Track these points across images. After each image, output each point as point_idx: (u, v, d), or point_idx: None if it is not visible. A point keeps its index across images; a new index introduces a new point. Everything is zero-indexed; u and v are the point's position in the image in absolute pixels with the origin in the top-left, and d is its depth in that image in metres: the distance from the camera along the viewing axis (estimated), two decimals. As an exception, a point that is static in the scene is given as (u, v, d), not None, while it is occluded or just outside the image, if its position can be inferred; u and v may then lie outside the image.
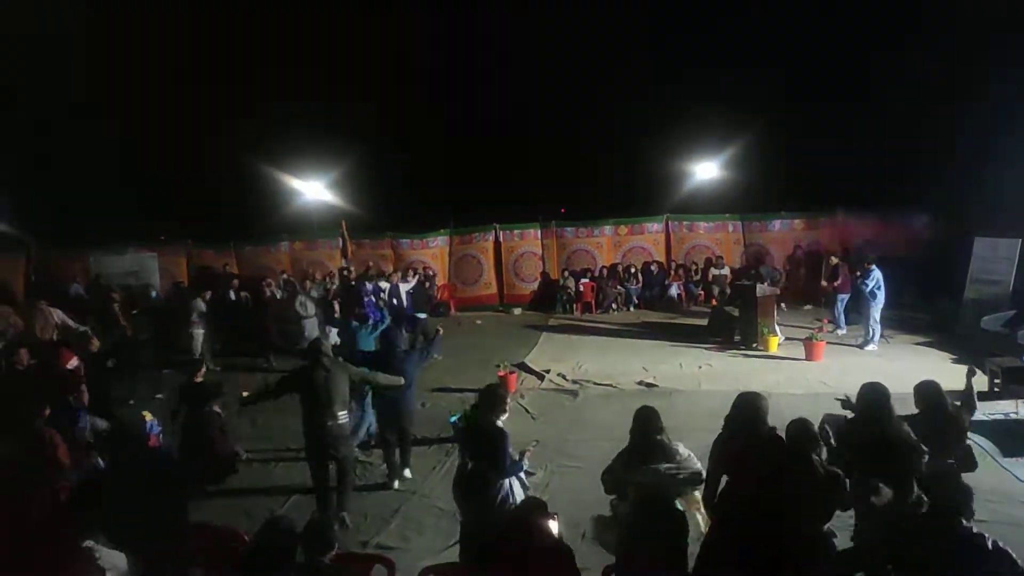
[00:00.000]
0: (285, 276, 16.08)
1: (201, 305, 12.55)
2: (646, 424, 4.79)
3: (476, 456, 5.00)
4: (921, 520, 3.61)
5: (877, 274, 11.74)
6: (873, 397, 4.67)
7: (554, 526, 4.40)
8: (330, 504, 6.38)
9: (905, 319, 13.66)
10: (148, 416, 6.05)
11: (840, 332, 13.02)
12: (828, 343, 11.83)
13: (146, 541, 4.22)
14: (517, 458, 5.12)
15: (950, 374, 10.30)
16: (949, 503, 3.50)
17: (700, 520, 4.73)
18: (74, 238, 18.56)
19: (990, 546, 3.41)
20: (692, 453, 4.86)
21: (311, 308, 12.87)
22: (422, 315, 13.04)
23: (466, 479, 4.94)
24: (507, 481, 4.94)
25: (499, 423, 5.14)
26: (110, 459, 5.16)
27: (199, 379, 7.49)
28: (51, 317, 11.05)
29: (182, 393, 7.30)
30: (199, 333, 12.37)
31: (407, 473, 7.47)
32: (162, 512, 4.60)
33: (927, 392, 5.05)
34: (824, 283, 13.50)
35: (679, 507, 3.94)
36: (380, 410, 7.59)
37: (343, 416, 6.32)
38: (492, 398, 5.27)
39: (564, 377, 11.24)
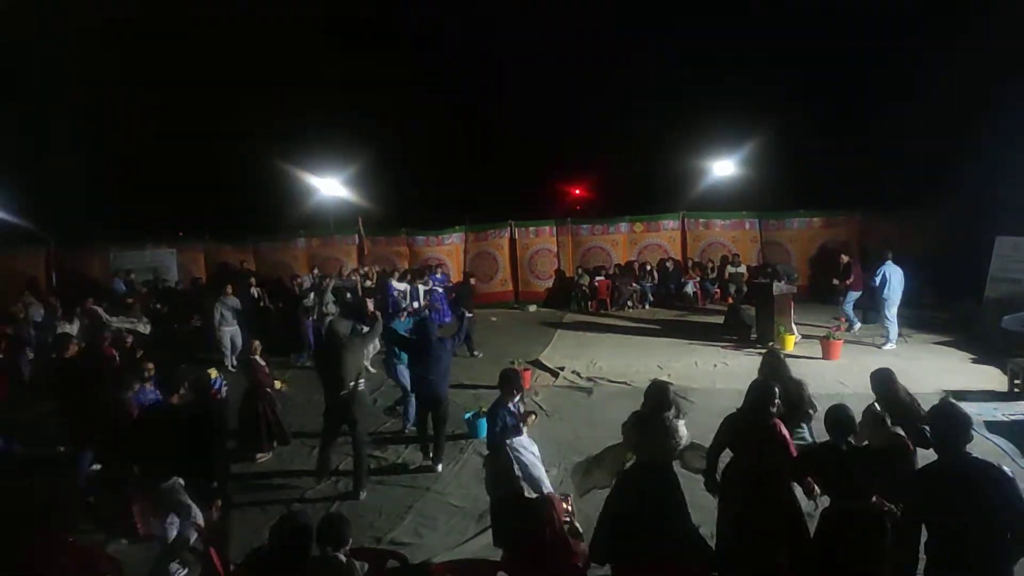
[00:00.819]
0: (317, 272, 15.87)
1: (233, 302, 12.48)
2: (657, 398, 4.83)
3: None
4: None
5: (885, 270, 11.65)
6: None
7: (567, 504, 4.49)
8: (329, 459, 7.34)
9: (925, 318, 13.53)
10: (214, 373, 6.79)
11: (855, 329, 12.91)
12: (846, 342, 11.75)
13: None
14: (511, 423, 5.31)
15: (970, 374, 10.23)
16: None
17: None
18: (94, 234, 18.76)
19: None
20: (692, 438, 4.89)
21: (331, 307, 12.93)
22: (469, 313, 13.15)
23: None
24: (511, 453, 5.10)
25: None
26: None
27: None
28: (100, 316, 11.32)
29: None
30: (227, 331, 12.29)
31: (439, 468, 7.64)
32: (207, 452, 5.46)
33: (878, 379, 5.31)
34: (836, 281, 13.42)
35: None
36: (418, 396, 7.95)
37: (360, 384, 7.22)
38: (503, 382, 5.62)
39: (578, 374, 11.23)
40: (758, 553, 4.32)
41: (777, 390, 4.66)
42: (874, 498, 4.01)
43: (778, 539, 4.34)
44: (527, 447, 5.24)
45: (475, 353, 12.75)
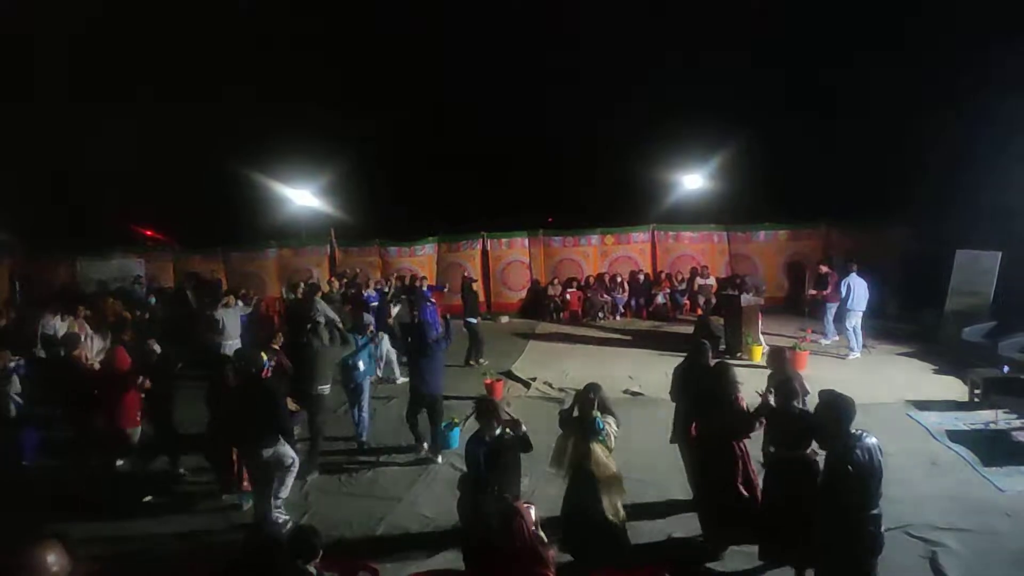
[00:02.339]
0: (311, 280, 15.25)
1: (232, 314, 11.68)
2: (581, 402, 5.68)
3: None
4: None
5: (849, 281, 11.96)
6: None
7: (532, 513, 4.58)
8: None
9: (888, 329, 13.82)
10: (264, 355, 7.29)
11: (825, 342, 13.16)
12: (812, 353, 11.96)
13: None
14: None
15: (931, 384, 10.48)
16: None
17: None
18: (59, 242, 18.44)
19: None
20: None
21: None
22: (473, 319, 13.24)
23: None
24: None
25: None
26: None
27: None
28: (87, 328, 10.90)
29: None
30: (231, 345, 11.13)
31: (439, 460, 8.15)
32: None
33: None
34: (812, 291, 13.63)
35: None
36: (416, 394, 8.29)
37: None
38: (481, 415, 5.66)
39: (550, 385, 11.27)
40: (721, 492, 5.66)
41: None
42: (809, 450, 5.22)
43: (733, 481, 5.63)
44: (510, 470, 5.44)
45: (481, 361, 12.85)
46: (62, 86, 21.85)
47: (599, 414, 5.56)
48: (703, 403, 6.00)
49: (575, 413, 5.66)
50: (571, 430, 5.63)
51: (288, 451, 6.75)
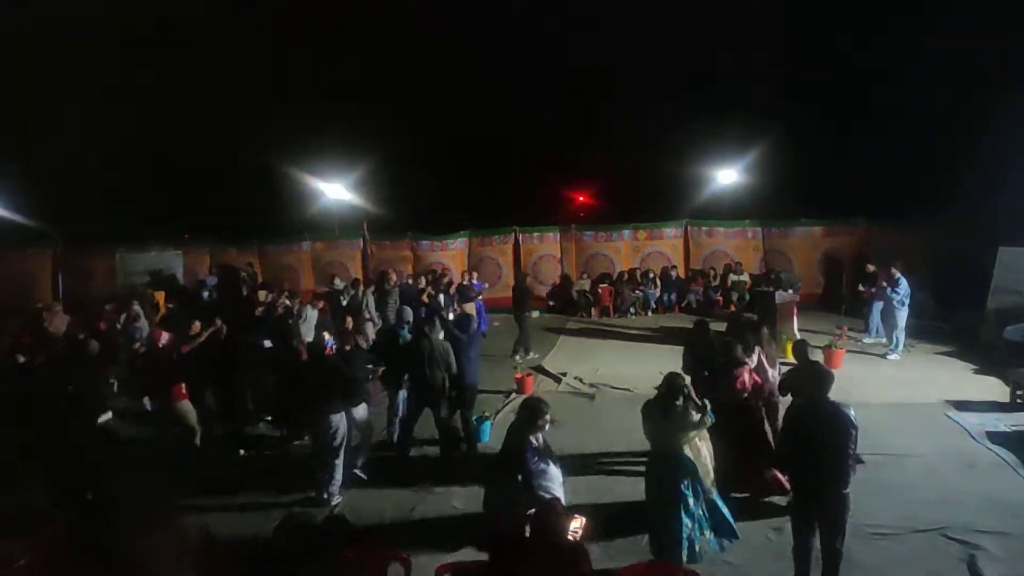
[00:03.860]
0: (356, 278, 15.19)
1: (313, 313, 11.81)
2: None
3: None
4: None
5: (906, 283, 11.70)
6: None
7: (575, 525, 4.50)
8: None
9: (927, 329, 13.51)
10: (327, 335, 8.21)
11: (868, 340, 12.91)
12: (849, 351, 11.76)
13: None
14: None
15: (971, 384, 10.25)
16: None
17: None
18: (100, 235, 18.81)
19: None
20: None
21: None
22: (525, 313, 13.35)
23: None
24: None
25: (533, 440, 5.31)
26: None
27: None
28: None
29: None
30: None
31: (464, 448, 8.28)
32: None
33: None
34: (862, 288, 13.40)
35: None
36: (462, 385, 8.27)
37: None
38: (528, 413, 5.44)
39: (581, 380, 11.27)
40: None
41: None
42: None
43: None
44: (550, 474, 5.24)
45: (528, 354, 12.89)
46: (104, 76, 22.32)
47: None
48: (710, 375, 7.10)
49: (678, 402, 5.53)
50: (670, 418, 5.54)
51: (336, 420, 7.15)
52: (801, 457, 4.97)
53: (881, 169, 18.94)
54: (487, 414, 8.95)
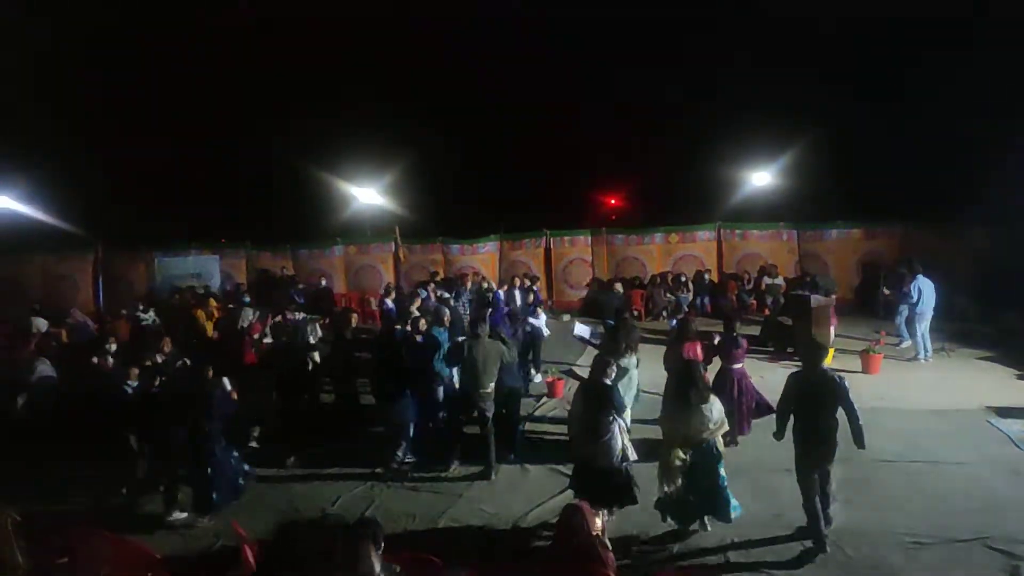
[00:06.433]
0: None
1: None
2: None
3: (589, 409, 6.19)
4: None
5: (918, 284, 11.47)
6: None
7: (598, 522, 4.55)
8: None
9: (967, 332, 13.19)
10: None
11: (905, 344, 12.61)
12: (886, 356, 11.53)
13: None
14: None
15: (1013, 390, 9.98)
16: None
17: None
18: (139, 238, 19.13)
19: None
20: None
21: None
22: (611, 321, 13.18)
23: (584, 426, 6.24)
24: (615, 427, 6.15)
25: (607, 381, 6.32)
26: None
27: None
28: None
29: None
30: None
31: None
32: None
33: None
34: (886, 291, 13.14)
35: None
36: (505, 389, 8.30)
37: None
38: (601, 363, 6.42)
39: (611, 384, 11.17)
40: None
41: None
42: None
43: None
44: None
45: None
46: (140, 79, 22.80)
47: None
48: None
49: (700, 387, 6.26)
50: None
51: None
52: (801, 415, 5.91)
53: (920, 170, 18.54)
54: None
